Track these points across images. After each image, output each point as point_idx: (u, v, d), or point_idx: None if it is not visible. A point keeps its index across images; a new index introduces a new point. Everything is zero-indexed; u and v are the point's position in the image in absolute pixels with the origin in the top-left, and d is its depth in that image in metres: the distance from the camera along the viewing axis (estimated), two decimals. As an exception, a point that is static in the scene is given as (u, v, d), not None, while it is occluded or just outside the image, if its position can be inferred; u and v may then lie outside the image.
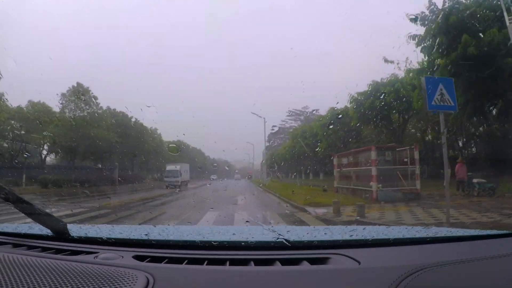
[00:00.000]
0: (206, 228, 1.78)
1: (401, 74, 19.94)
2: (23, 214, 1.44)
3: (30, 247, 1.33)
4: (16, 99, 27.11)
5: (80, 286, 0.93)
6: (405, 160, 14.25)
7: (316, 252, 1.27)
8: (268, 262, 1.17)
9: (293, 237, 1.48)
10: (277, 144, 49.76)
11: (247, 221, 6.34)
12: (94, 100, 28.66)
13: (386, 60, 18.38)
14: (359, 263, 1.13)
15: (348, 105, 20.76)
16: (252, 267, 1.14)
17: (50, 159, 31.89)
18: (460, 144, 23.31)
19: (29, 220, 1.48)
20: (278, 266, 1.14)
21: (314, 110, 41.26)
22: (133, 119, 30.26)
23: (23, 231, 1.58)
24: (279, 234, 1.60)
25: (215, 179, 31.79)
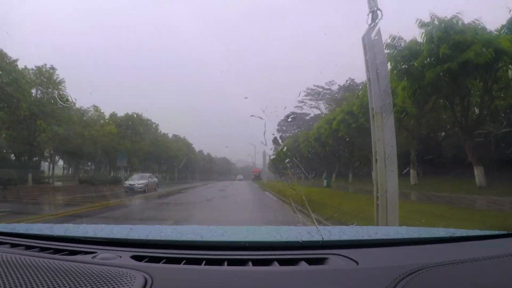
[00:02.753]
0: (205, 228, 1.78)
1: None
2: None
3: (28, 247, 1.33)
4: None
5: (78, 286, 0.93)
6: None
7: (314, 252, 1.27)
8: (266, 262, 1.17)
9: (291, 237, 1.48)
10: (290, 135, 37.80)
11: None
12: None
13: None
14: (357, 263, 1.13)
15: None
16: (250, 267, 1.14)
17: None
18: None
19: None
20: (276, 266, 1.14)
21: (349, 80, 29.60)
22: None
23: (21, 231, 1.58)
24: (277, 235, 1.60)
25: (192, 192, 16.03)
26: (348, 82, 31.10)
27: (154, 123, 27.99)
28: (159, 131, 29.50)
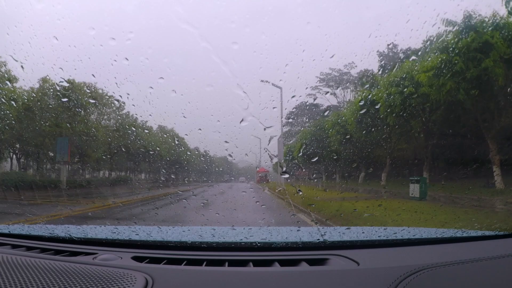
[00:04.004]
0: (205, 229, 1.78)
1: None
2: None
3: (29, 248, 1.33)
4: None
5: (79, 287, 0.93)
6: None
7: (315, 253, 1.27)
8: (267, 263, 1.17)
9: (291, 238, 1.48)
10: (297, 130, 31.52)
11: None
12: None
13: None
14: (358, 264, 1.13)
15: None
16: (250, 268, 1.14)
17: None
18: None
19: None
20: (276, 267, 1.14)
21: (391, 44, 22.24)
22: None
23: (22, 232, 1.58)
24: (278, 235, 1.60)
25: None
26: (391, 47, 23.13)
27: (117, 100, 17.94)
28: (129, 113, 19.29)
